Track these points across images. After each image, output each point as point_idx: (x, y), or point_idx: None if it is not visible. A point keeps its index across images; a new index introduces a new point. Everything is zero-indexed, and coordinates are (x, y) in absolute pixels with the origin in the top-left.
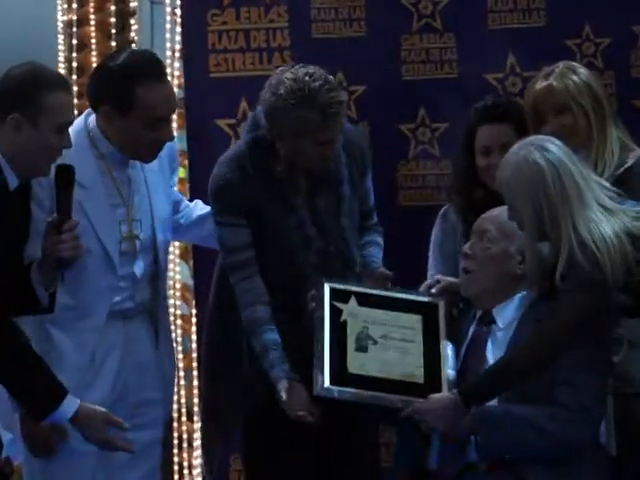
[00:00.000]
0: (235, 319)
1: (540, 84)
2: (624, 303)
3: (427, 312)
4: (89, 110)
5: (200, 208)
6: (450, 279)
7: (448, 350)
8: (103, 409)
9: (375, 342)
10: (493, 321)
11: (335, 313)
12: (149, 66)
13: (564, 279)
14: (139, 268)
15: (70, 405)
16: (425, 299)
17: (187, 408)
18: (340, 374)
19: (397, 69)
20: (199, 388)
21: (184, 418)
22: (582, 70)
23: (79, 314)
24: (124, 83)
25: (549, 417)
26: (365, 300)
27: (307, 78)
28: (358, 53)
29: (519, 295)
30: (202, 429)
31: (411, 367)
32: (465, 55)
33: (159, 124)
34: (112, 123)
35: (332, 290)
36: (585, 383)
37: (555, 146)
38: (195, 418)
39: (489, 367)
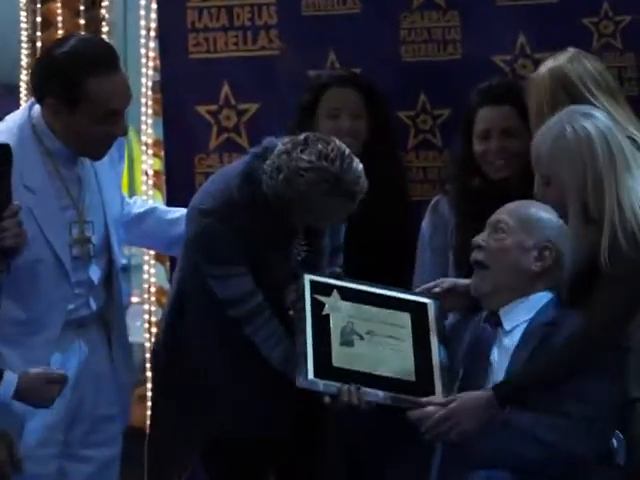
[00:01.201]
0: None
1: (545, 66)
2: None
3: (415, 311)
4: (33, 100)
5: (139, 206)
6: (454, 280)
7: (440, 351)
8: (38, 369)
9: (361, 337)
10: (499, 323)
11: (317, 306)
12: (100, 55)
13: (607, 264)
14: (95, 273)
15: (9, 382)
16: (413, 297)
17: None
18: (325, 367)
19: (395, 50)
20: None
21: None
22: (591, 56)
23: (31, 329)
24: (72, 74)
25: (549, 427)
26: (348, 295)
27: (331, 158)
28: (352, 32)
29: (529, 297)
30: (149, 452)
31: (401, 365)
32: (470, 35)
33: (111, 118)
34: (58, 117)
35: (313, 283)
36: (592, 392)
37: (601, 114)
38: None
39: (527, 365)
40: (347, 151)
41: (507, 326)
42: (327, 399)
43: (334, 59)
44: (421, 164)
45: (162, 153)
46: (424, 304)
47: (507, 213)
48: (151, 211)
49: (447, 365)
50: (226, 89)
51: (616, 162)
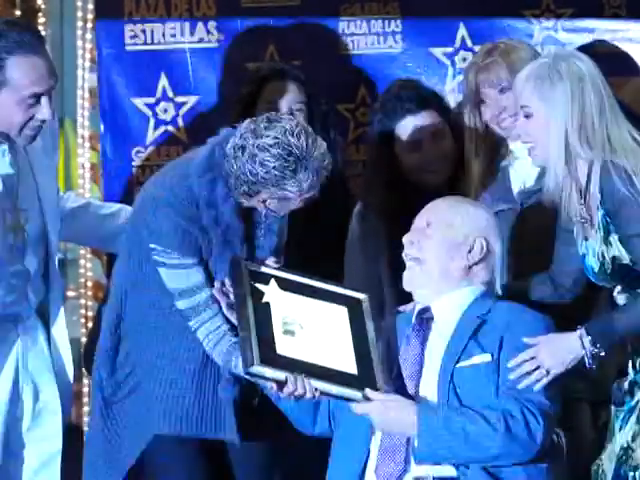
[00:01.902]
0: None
1: (482, 62)
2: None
3: (351, 305)
4: None
5: (72, 201)
6: None
7: (379, 345)
8: None
9: (302, 327)
10: (431, 318)
11: (256, 294)
12: (23, 36)
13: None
14: (31, 264)
15: None
16: (348, 292)
17: None
18: (269, 355)
19: (335, 42)
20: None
21: None
22: (525, 46)
23: None
24: None
25: (495, 422)
26: (286, 285)
27: (299, 137)
28: (292, 24)
29: (461, 290)
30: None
31: (342, 357)
32: (410, 27)
33: (35, 102)
34: None
35: (251, 272)
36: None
37: (586, 59)
38: None
39: (616, 311)
40: (310, 129)
41: (440, 320)
42: (273, 387)
43: (273, 51)
44: (361, 158)
45: (99, 146)
46: (359, 299)
47: (435, 210)
48: (85, 206)
49: (385, 359)
50: (164, 81)
51: (605, 102)
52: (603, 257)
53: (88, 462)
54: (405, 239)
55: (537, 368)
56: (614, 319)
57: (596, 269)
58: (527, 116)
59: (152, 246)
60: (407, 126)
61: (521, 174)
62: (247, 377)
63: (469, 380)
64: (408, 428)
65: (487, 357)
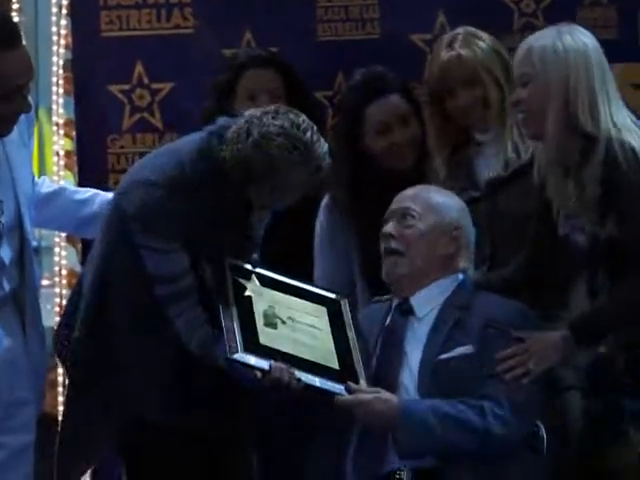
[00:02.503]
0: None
1: (446, 53)
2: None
3: (331, 305)
4: None
5: (47, 186)
6: None
7: (359, 344)
8: None
9: (284, 322)
10: (411, 310)
11: (238, 288)
12: (3, 30)
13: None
14: (6, 253)
15: None
16: (327, 293)
17: None
18: (253, 343)
19: (312, 28)
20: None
21: None
22: (485, 35)
23: None
24: None
25: (478, 414)
26: (267, 282)
27: (300, 126)
28: (268, 10)
29: (440, 281)
30: (60, 440)
31: (323, 352)
32: (389, 13)
33: (16, 94)
34: None
35: (232, 266)
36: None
37: (590, 35)
38: None
39: (598, 303)
40: (316, 127)
41: (419, 313)
42: (258, 374)
43: (250, 38)
44: None
45: (73, 133)
46: (337, 300)
47: (411, 199)
48: (59, 191)
49: (365, 358)
50: (139, 68)
51: (607, 80)
52: (594, 237)
53: (60, 452)
54: (384, 230)
55: (523, 367)
56: (599, 312)
57: (585, 248)
58: (525, 84)
59: (136, 228)
60: (375, 110)
61: (487, 163)
62: (228, 367)
63: (450, 372)
64: (390, 422)
65: (469, 349)
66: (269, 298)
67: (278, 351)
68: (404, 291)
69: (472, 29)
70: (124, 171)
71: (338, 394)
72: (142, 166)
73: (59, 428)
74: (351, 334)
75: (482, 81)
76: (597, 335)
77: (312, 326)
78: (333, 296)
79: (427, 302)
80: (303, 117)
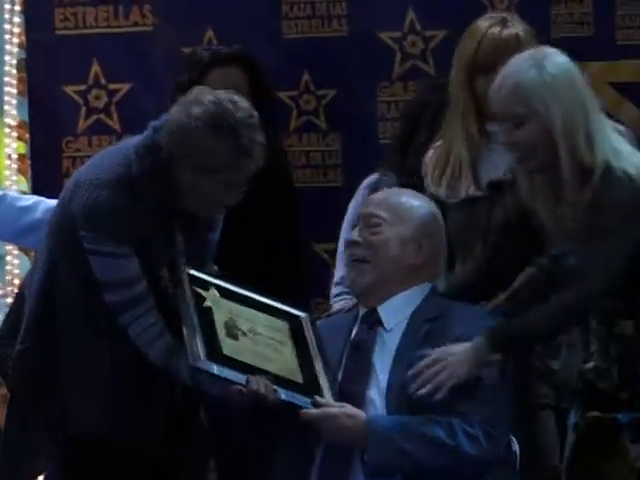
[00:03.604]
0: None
1: (503, 31)
2: None
3: (292, 321)
4: None
5: None
6: None
7: (321, 359)
8: None
9: (245, 334)
10: (379, 321)
11: (197, 298)
12: None
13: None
14: None
15: None
16: (289, 309)
17: None
18: (215, 352)
19: (277, 26)
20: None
21: None
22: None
23: None
24: None
25: (448, 431)
26: (226, 294)
27: (230, 106)
28: (231, 7)
29: (408, 291)
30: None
31: (286, 366)
32: (357, 10)
33: None
34: None
35: (191, 276)
36: (490, 391)
37: (563, 55)
38: None
39: (519, 315)
40: (256, 115)
41: (388, 325)
42: (235, 387)
43: (212, 36)
44: (303, 148)
45: (27, 136)
46: (299, 317)
47: (379, 205)
48: (1, 198)
49: (330, 374)
50: (96, 68)
51: (594, 100)
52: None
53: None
54: (348, 240)
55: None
56: (516, 323)
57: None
58: (518, 125)
59: (85, 232)
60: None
61: (493, 161)
62: (192, 379)
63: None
64: (357, 440)
65: None
66: (228, 310)
67: (240, 361)
68: (370, 301)
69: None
70: None
71: (304, 407)
72: (88, 167)
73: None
74: (314, 351)
75: None
76: (512, 345)
77: (273, 339)
78: (295, 312)
79: (396, 313)
80: (227, 95)
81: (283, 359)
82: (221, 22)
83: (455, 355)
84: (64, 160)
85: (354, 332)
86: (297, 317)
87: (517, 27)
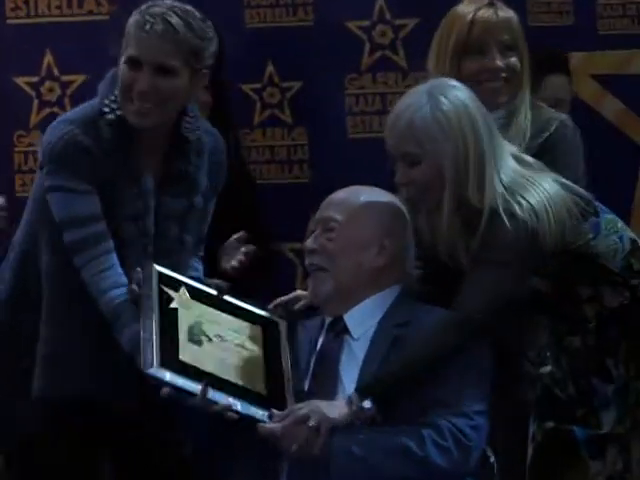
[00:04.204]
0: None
1: (491, 13)
2: (537, 290)
3: (267, 326)
4: None
5: None
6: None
7: (292, 370)
8: None
9: (210, 339)
10: (345, 330)
11: (164, 298)
12: None
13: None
14: None
15: None
16: (264, 313)
17: None
18: (171, 358)
19: (239, 14)
20: None
21: None
22: None
23: None
24: None
25: (417, 442)
26: (198, 295)
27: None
28: None
29: (375, 296)
30: None
31: (251, 376)
32: None
33: None
34: None
35: (161, 275)
36: (463, 400)
37: (463, 88)
38: None
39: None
40: (194, 15)
41: (355, 333)
42: (166, 390)
43: None
44: (268, 143)
45: None
46: (275, 322)
47: (335, 207)
48: None
49: (298, 386)
50: (49, 58)
51: (494, 134)
52: None
53: None
54: (306, 246)
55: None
56: (390, 367)
57: None
58: (412, 164)
59: (47, 168)
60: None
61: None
62: (130, 348)
63: (389, 398)
64: (319, 453)
65: None
66: (197, 313)
67: (198, 369)
68: (335, 310)
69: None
70: (32, 171)
71: (260, 421)
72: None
73: None
74: (285, 359)
75: (518, 48)
76: (384, 389)
77: (242, 346)
78: (270, 317)
79: (363, 320)
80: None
81: (248, 367)
82: None
83: (326, 402)
84: (15, 155)
85: (320, 341)
86: (273, 321)
87: (509, 11)
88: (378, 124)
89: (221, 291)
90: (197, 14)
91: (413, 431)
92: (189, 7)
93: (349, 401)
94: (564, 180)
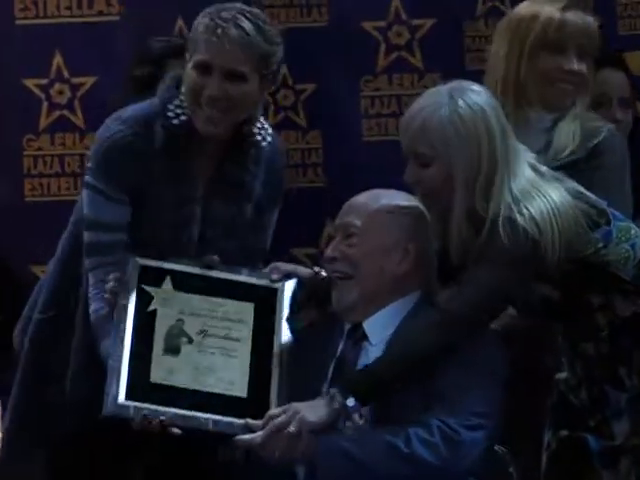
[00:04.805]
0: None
1: (578, 16)
2: (548, 297)
3: (263, 299)
4: None
5: None
6: (293, 266)
7: (283, 354)
8: None
9: (190, 340)
10: (364, 336)
11: (143, 300)
12: None
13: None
14: None
15: None
16: (261, 281)
17: None
18: (140, 384)
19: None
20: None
21: None
22: None
23: None
24: None
25: (403, 439)
26: (184, 282)
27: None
28: None
29: (395, 302)
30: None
31: (233, 374)
32: None
33: None
34: None
35: (143, 268)
36: (461, 400)
37: (484, 93)
38: None
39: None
40: (264, 20)
41: (374, 340)
42: (136, 425)
43: (182, 25)
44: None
45: None
46: (274, 290)
47: (355, 213)
48: None
49: (314, 386)
50: (58, 60)
51: (509, 140)
52: None
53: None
54: (327, 254)
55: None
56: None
57: None
58: (424, 165)
59: (89, 165)
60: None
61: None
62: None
63: (398, 403)
64: (304, 454)
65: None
66: (180, 307)
67: (169, 388)
68: (355, 317)
69: None
70: (41, 175)
71: (236, 435)
72: None
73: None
74: (278, 335)
75: (590, 55)
76: (367, 388)
77: (228, 337)
78: (267, 285)
79: (382, 327)
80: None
81: (232, 366)
82: (192, 11)
83: (307, 404)
84: (25, 159)
85: (340, 348)
86: (271, 290)
87: (590, 17)
88: (394, 126)
89: (211, 267)
90: (266, 18)
91: (399, 429)
92: (257, 10)
93: (330, 399)
94: (579, 188)
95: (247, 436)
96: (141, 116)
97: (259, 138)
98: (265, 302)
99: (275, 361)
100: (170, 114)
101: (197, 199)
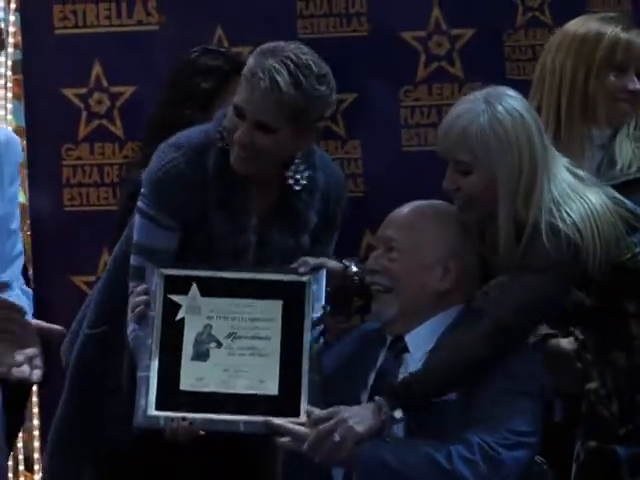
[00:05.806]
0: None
1: (635, 37)
2: (580, 303)
3: (292, 295)
4: None
5: None
6: (323, 260)
7: (313, 351)
8: None
9: (219, 344)
10: (406, 349)
11: (170, 310)
12: None
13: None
14: None
15: None
16: (289, 277)
17: (25, 455)
18: (171, 394)
19: (291, 24)
20: (40, 428)
21: (21, 467)
22: None
23: None
24: None
25: (444, 455)
26: (211, 287)
27: (292, 46)
28: (243, 4)
29: (435, 317)
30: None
31: (263, 374)
32: (377, 8)
33: None
34: None
35: (167, 278)
36: (499, 415)
37: (520, 98)
38: (36, 467)
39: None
40: (320, 67)
41: (415, 353)
42: (167, 435)
43: (222, 35)
44: None
45: (24, 143)
46: (302, 283)
47: (396, 226)
48: None
49: (322, 369)
50: (97, 69)
51: (547, 145)
52: None
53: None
54: (368, 265)
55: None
56: (420, 377)
57: None
58: (464, 172)
59: (143, 190)
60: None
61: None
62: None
63: (436, 415)
64: (344, 460)
65: (451, 397)
66: (208, 312)
67: (200, 394)
68: (396, 330)
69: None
70: (80, 185)
71: (267, 434)
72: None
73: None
74: (307, 332)
75: None
76: (414, 399)
77: (257, 337)
78: (295, 278)
79: (424, 340)
80: (320, 61)
81: (262, 364)
82: (231, 20)
83: (354, 413)
84: (64, 169)
85: (381, 358)
86: (299, 284)
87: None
88: (433, 137)
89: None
90: (314, 67)
91: (439, 445)
92: (310, 57)
93: (377, 407)
94: (615, 193)
95: (290, 442)
96: (196, 143)
97: (291, 182)
98: (294, 297)
99: (305, 356)
100: (218, 135)
101: (251, 228)
